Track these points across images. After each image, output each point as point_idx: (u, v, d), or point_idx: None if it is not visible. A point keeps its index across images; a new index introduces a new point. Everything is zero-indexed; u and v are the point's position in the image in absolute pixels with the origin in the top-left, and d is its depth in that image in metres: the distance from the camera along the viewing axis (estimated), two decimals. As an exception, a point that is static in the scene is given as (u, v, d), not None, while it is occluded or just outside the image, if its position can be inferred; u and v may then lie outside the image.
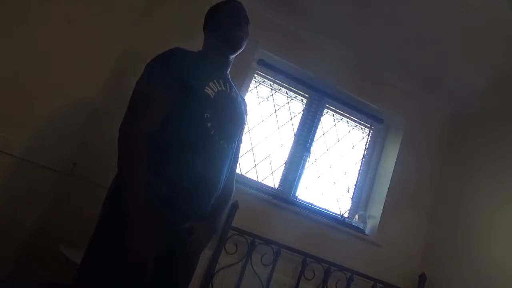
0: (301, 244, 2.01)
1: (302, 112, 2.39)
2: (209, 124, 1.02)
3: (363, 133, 2.54)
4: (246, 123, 1.29)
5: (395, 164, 2.36)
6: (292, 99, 2.40)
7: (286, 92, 2.38)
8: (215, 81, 1.09)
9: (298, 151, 2.30)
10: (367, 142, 2.52)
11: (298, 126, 2.35)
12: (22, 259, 1.54)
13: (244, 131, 1.33)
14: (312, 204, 2.28)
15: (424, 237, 2.33)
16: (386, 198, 2.29)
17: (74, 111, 1.63)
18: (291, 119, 2.35)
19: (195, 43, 1.98)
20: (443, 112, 2.56)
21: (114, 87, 1.80)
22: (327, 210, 2.32)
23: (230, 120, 1.12)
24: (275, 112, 2.33)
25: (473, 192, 2.18)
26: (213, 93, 1.06)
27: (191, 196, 1.01)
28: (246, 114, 1.27)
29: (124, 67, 1.82)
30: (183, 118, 1.01)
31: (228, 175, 1.17)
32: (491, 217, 2.00)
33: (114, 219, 0.94)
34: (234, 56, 1.21)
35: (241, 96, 1.26)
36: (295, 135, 2.33)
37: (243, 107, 1.22)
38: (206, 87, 1.04)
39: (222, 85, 1.12)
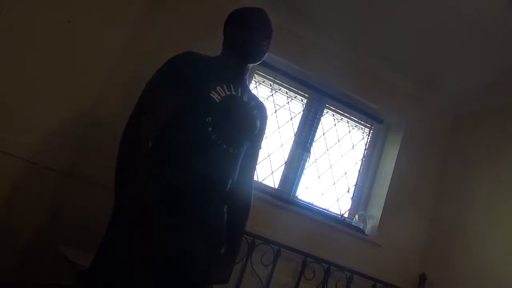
0: (301, 244, 2.01)
1: (302, 112, 2.39)
2: (210, 129, 1.02)
3: (363, 133, 2.54)
4: (263, 129, 1.29)
5: (395, 164, 2.36)
6: (292, 99, 2.40)
7: (286, 92, 2.38)
8: (224, 85, 1.08)
9: (298, 151, 2.30)
10: (367, 142, 2.52)
11: (298, 126, 2.35)
12: (22, 259, 1.54)
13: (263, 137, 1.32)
14: (312, 204, 2.28)
15: (424, 237, 2.33)
16: (386, 198, 2.29)
17: (74, 111, 1.63)
18: (291, 119, 2.35)
19: (195, 42, 1.99)
20: (443, 112, 2.55)
21: (115, 87, 1.80)
22: (327, 210, 2.32)
23: (236, 125, 1.10)
24: (275, 112, 2.33)
25: (473, 192, 2.18)
26: (219, 98, 1.04)
27: (191, 199, 1.01)
28: (263, 119, 1.26)
29: (124, 67, 1.82)
30: (186, 122, 1.02)
31: (244, 185, 1.20)
32: (491, 217, 2.00)
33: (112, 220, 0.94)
34: (255, 64, 1.21)
35: (257, 101, 1.25)
36: (295, 135, 2.33)
37: (256, 112, 1.20)
38: (212, 92, 1.04)
39: (233, 89, 1.10)
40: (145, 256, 0.89)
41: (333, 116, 2.48)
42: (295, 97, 2.41)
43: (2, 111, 1.38)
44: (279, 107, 2.35)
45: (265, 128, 1.31)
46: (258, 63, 1.21)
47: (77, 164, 1.68)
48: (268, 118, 1.34)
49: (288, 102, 2.39)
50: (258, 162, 1.34)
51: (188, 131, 1.02)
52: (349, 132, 2.51)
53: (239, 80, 1.17)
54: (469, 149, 2.35)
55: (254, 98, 1.24)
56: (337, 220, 2.27)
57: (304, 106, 2.41)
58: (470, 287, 1.93)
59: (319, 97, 2.41)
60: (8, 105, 1.39)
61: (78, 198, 1.68)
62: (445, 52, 2.05)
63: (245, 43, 1.15)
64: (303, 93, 2.41)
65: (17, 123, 1.43)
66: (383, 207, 2.27)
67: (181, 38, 1.97)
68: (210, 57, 1.13)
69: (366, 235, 2.26)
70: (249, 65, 1.19)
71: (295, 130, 2.34)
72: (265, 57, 1.20)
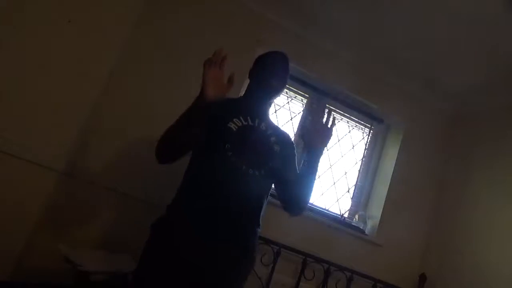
0: (301, 244, 2.01)
1: (302, 112, 2.39)
2: (230, 153, 1.15)
3: (363, 133, 2.54)
4: (290, 153, 1.40)
5: (395, 164, 2.36)
6: (292, 99, 2.40)
7: (286, 92, 2.38)
8: (241, 117, 1.24)
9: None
10: (367, 142, 2.52)
11: (298, 126, 2.35)
12: (22, 259, 1.54)
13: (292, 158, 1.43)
14: (312, 204, 2.28)
15: (424, 237, 2.33)
16: (386, 198, 2.29)
17: (74, 111, 1.63)
18: (291, 119, 2.36)
19: (195, 42, 1.99)
20: (443, 112, 2.55)
21: (114, 87, 1.80)
22: (327, 210, 2.32)
23: (253, 149, 1.22)
24: (275, 112, 2.33)
25: (473, 192, 2.18)
26: (236, 127, 1.20)
27: (214, 214, 1.12)
28: (284, 144, 1.35)
29: (124, 67, 1.83)
30: (210, 149, 1.17)
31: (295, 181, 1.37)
32: (491, 217, 2.00)
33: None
34: (271, 100, 1.37)
35: (277, 130, 1.37)
36: (294, 135, 2.33)
37: (274, 138, 1.31)
38: (230, 122, 1.20)
39: (250, 121, 1.25)
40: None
41: (333, 116, 2.48)
42: (295, 97, 2.41)
43: (2, 111, 1.38)
44: (279, 107, 2.35)
45: (290, 154, 1.40)
46: (271, 97, 1.35)
47: (77, 164, 1.68)
48: (293, 143, 1.44)
49: (288, 102, 2.39)
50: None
51: (212, 156, 1.17)
52: (349, 132, 2.52)
53: (258, 114, 1.30)
54: (469, 149, 2.35)
55: (274, 128, 1.35)
56: (337, 220, 2.27)
57: (304, 106, 2.41)
58: (470, 287, 1.93)
59: (319, 97, 2.41)
60: (8, 105, 1.39)
61: (78, 198, 1.69)
62: (445, 52, 2.05)
63: (258, 82, 1.32)
64: (303, 93, 2.41)
65: (17, 123, 1.43)
66: (383, 207, 2.27)
67: (181, 37, 1.97)
68: (233, 98, 1.29)
69: (366, 235, 2.26)
70: (267, 100, 1.35)
71: (295, 130, 2.34)
72: (275, 93, 1.33)
